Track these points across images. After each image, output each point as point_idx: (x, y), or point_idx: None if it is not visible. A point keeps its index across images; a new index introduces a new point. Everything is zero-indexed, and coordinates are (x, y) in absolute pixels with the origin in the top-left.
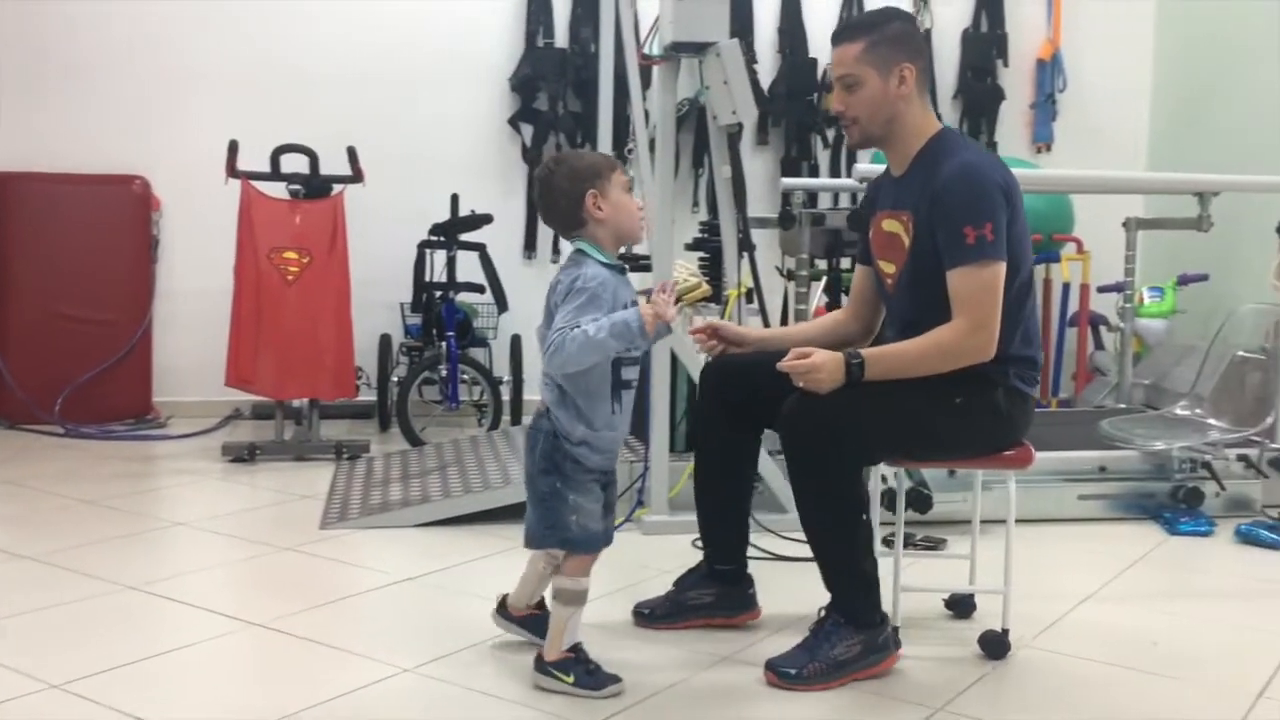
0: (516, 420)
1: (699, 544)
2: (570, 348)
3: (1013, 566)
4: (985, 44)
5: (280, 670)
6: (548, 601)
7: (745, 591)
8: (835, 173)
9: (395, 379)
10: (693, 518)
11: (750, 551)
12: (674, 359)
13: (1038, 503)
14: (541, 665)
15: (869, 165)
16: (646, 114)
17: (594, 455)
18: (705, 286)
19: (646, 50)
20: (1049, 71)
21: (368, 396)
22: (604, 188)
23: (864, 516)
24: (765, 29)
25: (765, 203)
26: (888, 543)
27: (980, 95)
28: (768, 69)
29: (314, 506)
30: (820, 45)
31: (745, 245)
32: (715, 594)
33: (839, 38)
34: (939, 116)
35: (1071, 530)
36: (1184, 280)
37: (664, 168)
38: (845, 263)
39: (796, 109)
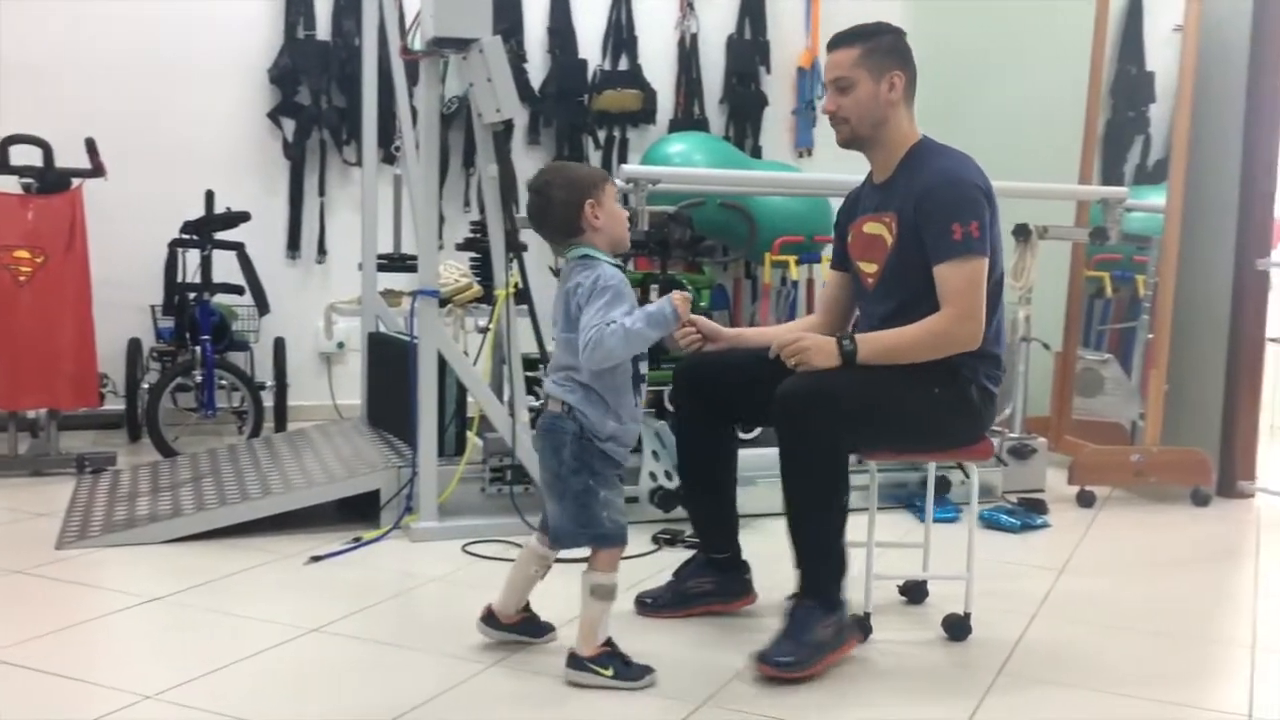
0: (281, 427)
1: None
2: (610, 341)
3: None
4: (749, 51)
5: (6, 706)
6: (579, 597)
7: (742, 577)
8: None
9: (145, 386)
10: (463, 523)
11: (517, 554)
12: (441, 361)
13: None
14: (578, 662)
15: (637, 166)
16: (414, 111)
17: (620, 449)
18: (476, 287)
19: (410, 45)
20: (809, 79)
21: (115, 405)
22: (600, 198)
23: (845, 499)
24: (535, 29)
25: None
26: (656, 540)
27: (745, 101)
28: (538, 69)
29: (51, 525)
30: (590, 46)
31: (515, 245)
32: (714, 582)
33: (836, 44)
34: (727, 123)
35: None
36: None
37: (429, 166)
38: None
39: (568, 109)
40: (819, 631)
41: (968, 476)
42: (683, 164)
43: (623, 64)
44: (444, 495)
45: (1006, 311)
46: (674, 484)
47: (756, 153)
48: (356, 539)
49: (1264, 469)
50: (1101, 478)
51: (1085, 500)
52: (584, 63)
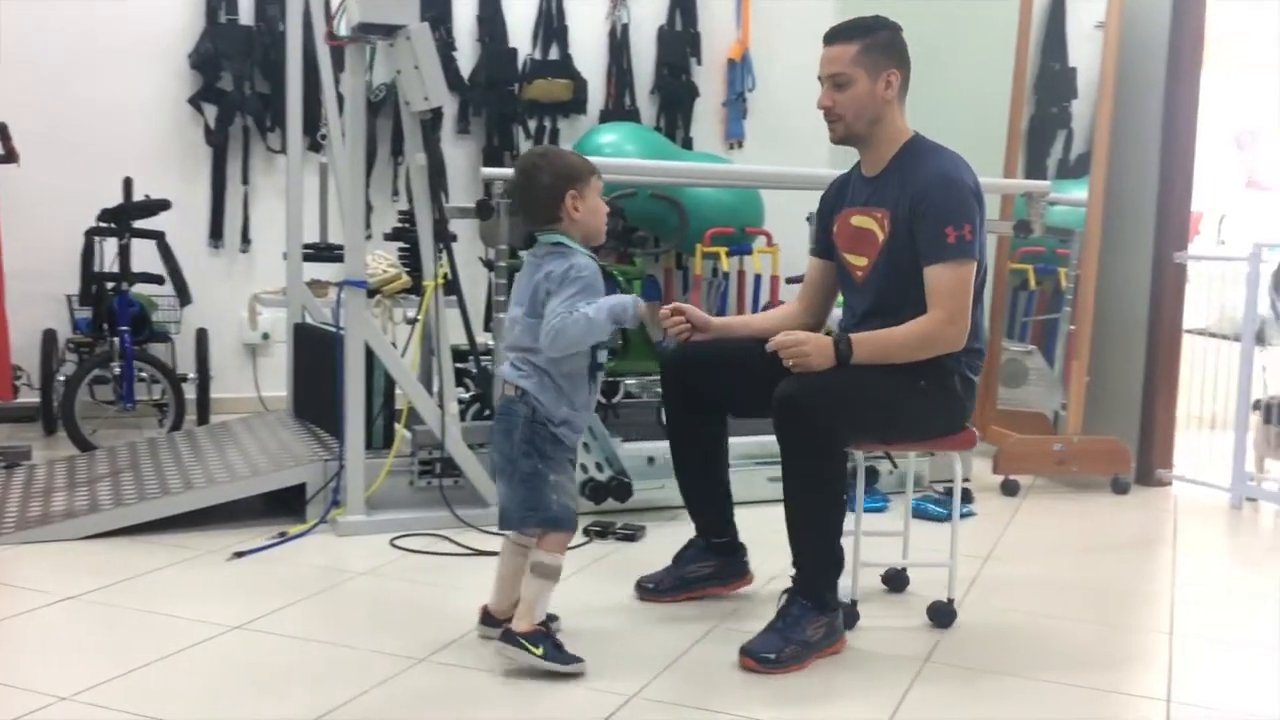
0: (203, 420)
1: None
2: (573, 330)
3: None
4: (680, 42)
5: None
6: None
7: (740, 560)
8: None
9: (61, 378)
10: (391, 517)
11: (447, 547)
12: (369, 353)
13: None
14: (511, 637)
15: None
16: (340, 97)
17: (572, 434)
18: (405, 278)
19: (335, 30)
20: (739, 71)
21: (30, 398)
22: (584, 190)
23: (845, 498)
24: (464, 16)
25: (469, 192)
26: (588, 533)
27: (676, 92)
28: (467, 57)
29: None
30: (521, 35)
31: (444, 235)
32: (714, 565)
33: (834, 39)
34: (658, 114)
35: (763, 512)
36: None
37: (355, 154)
38: None
39: (497, 98)
40: (809, 631)
41: (895, 467)
42: (614, 155)
43: (553, 53)
44: (371, 489)
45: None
46: (605, 476)
47: (687, 144)
48: (281, 534)
49: (1181, 458)
50: (1025, 467)
51: (1010, 489)
52: (514, 51)
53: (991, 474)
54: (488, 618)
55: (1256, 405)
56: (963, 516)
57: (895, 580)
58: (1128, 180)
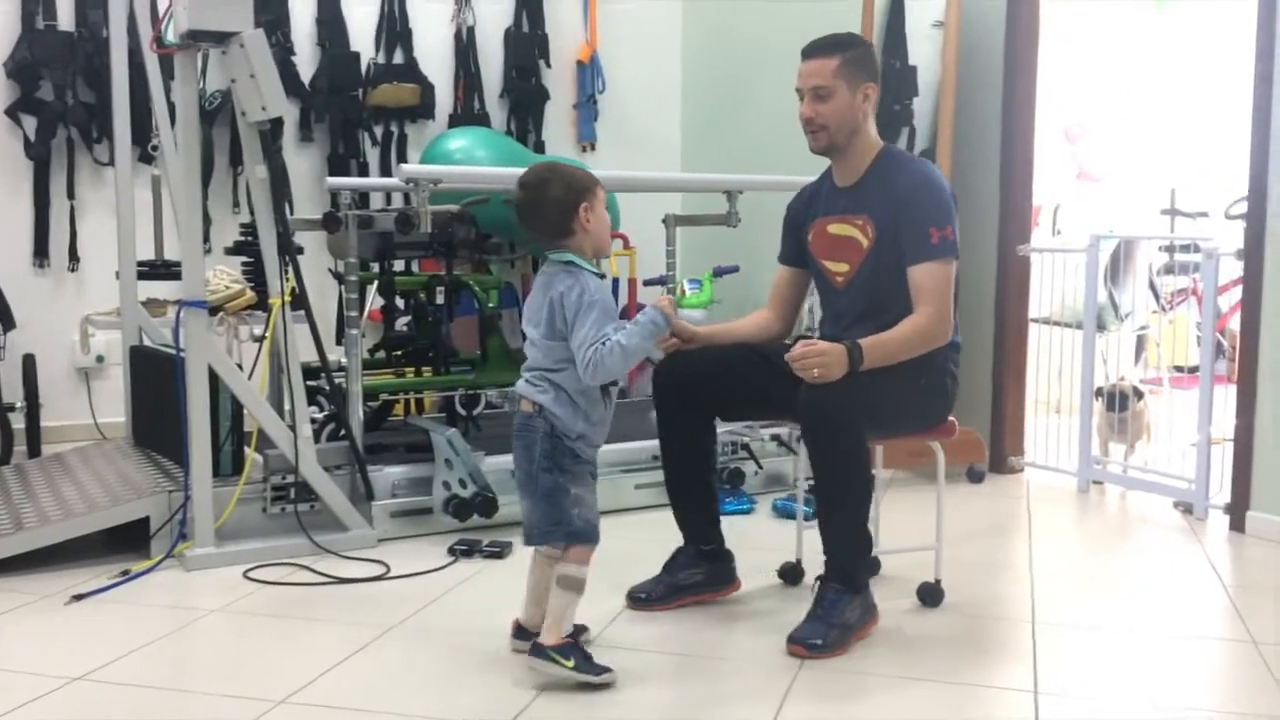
0: (34, 452)
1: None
2: (610, 361)
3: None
4: (528, 44)
5: None
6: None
7: (728, 566)
8: (386, 171)
9: None
10: (244, 548)
11: (306, 577)
12: (213, 376)
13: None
14: (541, 651)
15: (418, 166)
16: (172, 106)
17: (589, 449)
18: (249, 294)
19: (163, 37)
20: (589, 73)
21: None
22: (593, 202)
23: (870, 489)
24: (302, 20)
25: (315, 203)
26: (453, 551)
27: (526, 95)
28: (307, 62)
29: None
30: (363, 39)
31: (289, 249)
32: (704, 572)
33: (814, 53)
34: (508, 117)
35: (632, 519)
36: (718, 272)
37: (190, 166)
38: (399, 265)
39: (341, 104)
40: (847, 614)
41: (760, 468)
42: (464, 160)
43: (398, 57)
44: (221, 519)
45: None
46: (468, 492)
47: (539, 147)
48: (125, 572)
49: (1031, 444)
50: (885, 461)
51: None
52: (356, 56)
53: None
54: (520, 631)
55: (1099, 393)
56: None
57: (789, 574)
58: (970, 175)
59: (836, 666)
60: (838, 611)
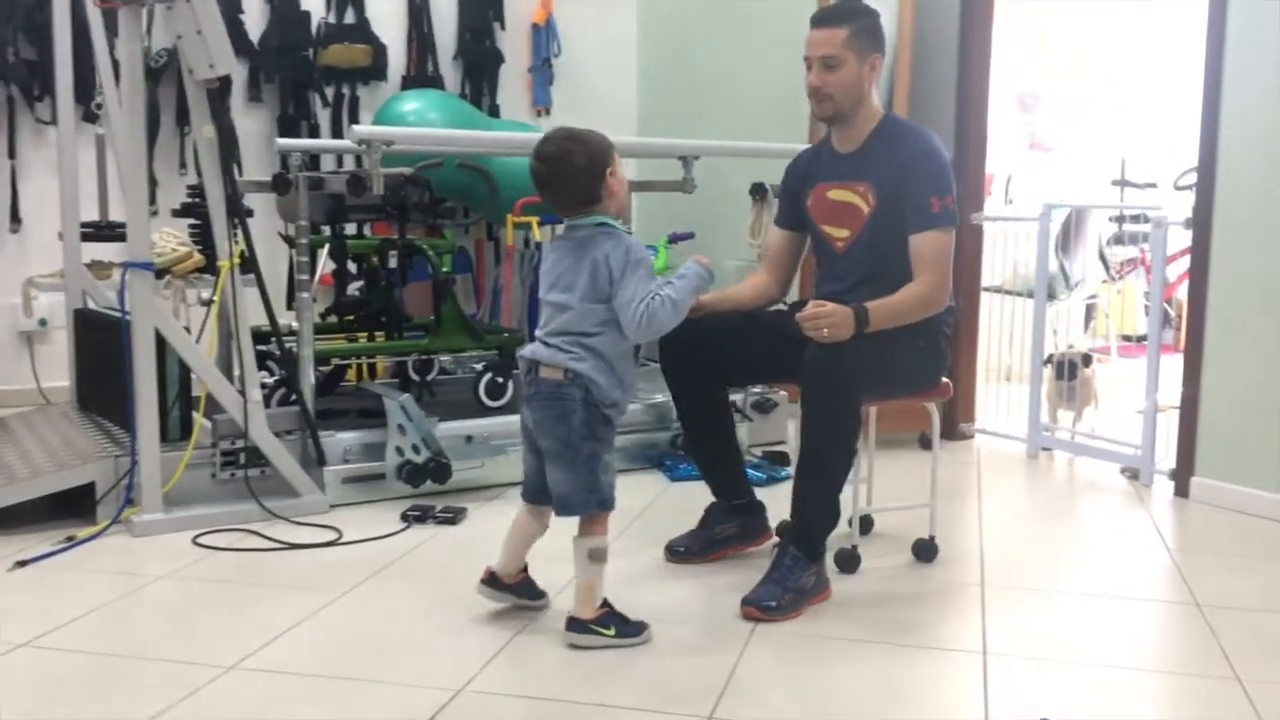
0: None
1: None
2: (663, 314)
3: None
4: (482, 6)
5: None
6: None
7: (762, 518)
8: (337, 133)
9: None
10: (192, 513)
11: (256, 543)
12: (160, 340)
13: None
14: (581, 625)
15: (370, 127)
16: (116, 64)
17: (619, 415)
18: (197, 257)
19: None
20: (544, 36)
21: None
22: (614, 166)
23: (853, 455)
24: None
25: (265, 165)
26: (406, 517)
27: (480, 57)
28: (256, 20)
29: None
30: None
31: (238, 210)
32: (738, 525)
33: (824, 22)
34: (462, 80)
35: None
36: (674, 239)
37: (135, 125)
38: (351, 228)
39: (291, 64)
40: (803, 579)
41: None
42: (418, 123)
43: (349, 17)
44: (169, 484)
45: (747, 269)
46: (422, 458)
47: (494, 111)
48: (69, 538)
49: (982, 411)
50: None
51: None
52: (307, 15)
53: None
54: (493, 579)
55: (1048, 360)
56: (781, 480)
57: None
58: None
59: (790, 629)
60: (794, 577)
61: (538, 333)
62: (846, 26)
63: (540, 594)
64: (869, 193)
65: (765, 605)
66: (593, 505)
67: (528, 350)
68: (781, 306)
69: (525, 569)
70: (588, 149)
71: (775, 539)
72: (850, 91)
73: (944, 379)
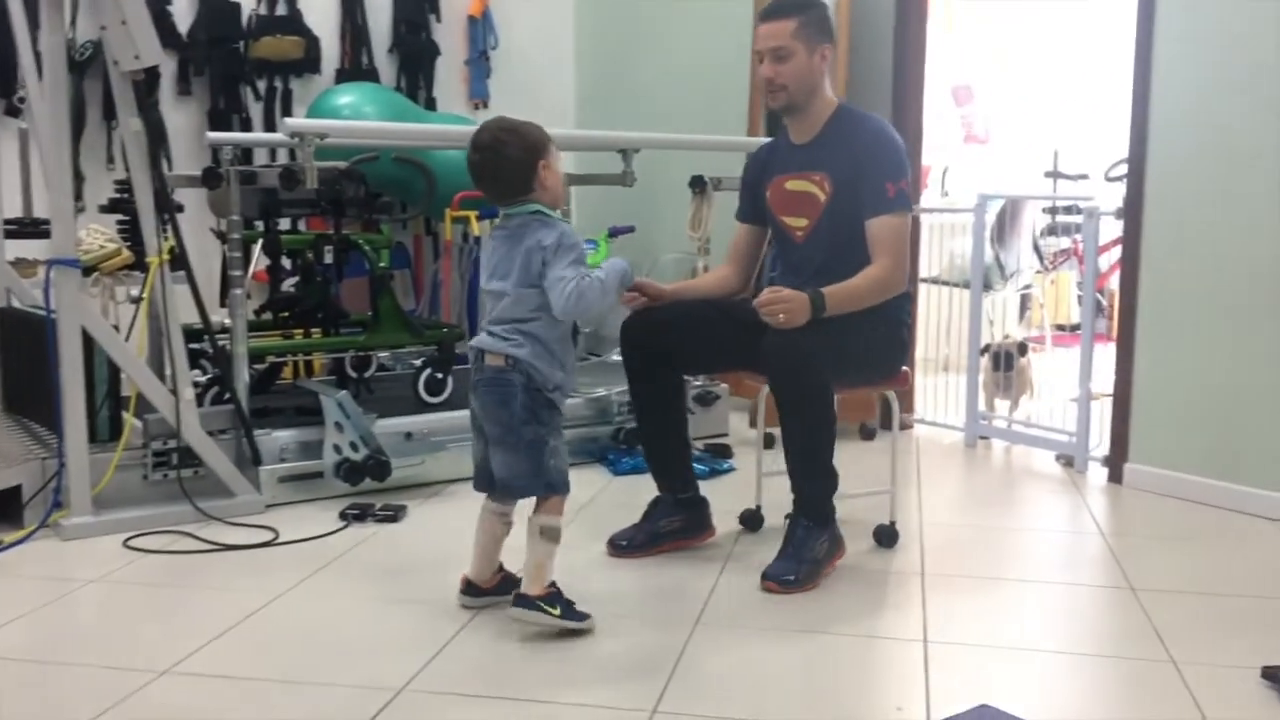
0: None
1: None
2: (591, 294)
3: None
4: None
5: None
6: (525, 544)
7: (705, 513)
8: (270, 127)
9: None
10: (123, 516)
11: (190, 545)
12: (88, 338)
13: None
14: (527, 601)
15: (302, 120)
16: (39, 56)
17: (563, 399)
18: (125, 253)
19: None
20: (481, 28)
21: None
22: (549, 158)
23: (834, 427)
24: None
25: (195, 159)
26: (344, 516)
27: (416, 50)
28: (185, 12)
29: None
30: None
31: (167, 206)
32: (683, 519)
33: (772, 15)
34: (398, 73)
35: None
36: (614, 232)
37: (59, 119)
38: (286, 223)
39: (221, 57)
40: (817, 548)
41: None
42: (353, 116)
43: (280, 9)
44: (99, 487)
45: (685, 262)
46: (360, 455)
47: (431, 104)
48: None
49: (921, 401)
50: (762, 422)
51: (767, 442)
52: (237, 6)
53: (749, 428)
54: (470, 587)
55: (985, 350)
56: (723, 472)
57: (750, 520)
58: None
59: (729, 622)
60: (808, 547)
61: (482, 323)
62: (795, 19)
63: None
64: (825, 181)
65: (784, 579)
66: (537, 489)
67: (475, 340)
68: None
69: (500, 568)
70: (522, 140)
71: (715, 536)
72: (802, 82)
73: (904, 368)
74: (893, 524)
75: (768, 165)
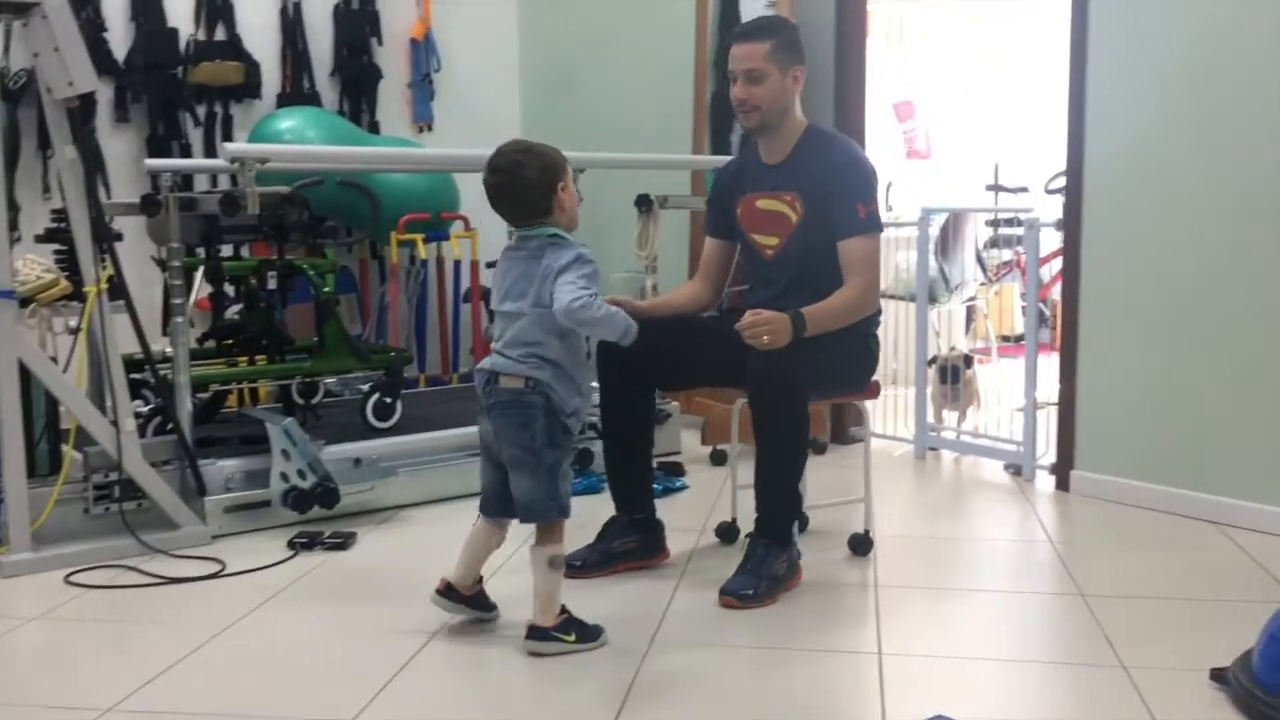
0: None
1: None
2: (595, 310)
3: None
4: (358, 21)
5: None
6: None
7: (660, 535)
8: (211, 153)
9: None
10: (64, 551)
11: (134, 579)
12: (24, 370)
13: (442, 482)
14: (542, 633)
15: (241, 145)
16: None
17: (577, 425)
18: (63, 283)
19: None
20: (423, 51)
21: None
22: (567, 180)
23: (807, 449)
24: None
25: (134, 187)
26: (293, 545)
27: (358, 73)
28: (121, 38)
29: None
30: (180, 14)
31: (105, 234)
32: (637, 540)
33: (745, 37)
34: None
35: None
36: None
37: None
38: (228, 250)
39: (159, 83)
40: (775, 566)
41: None
42: (295, 141)
43: (219, 34)
44: (38, 522)
45: (633, 281)
46: (308, 483)
47: (374, 128)
48: None
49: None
50: (730, 436)
51: (718, 459)
52: (174, 32)
53: (701, 446)
54: (450, 591)
55: (932, 362)
56: (676, 490)
57: (727, 533)
58: None
59: (687, 639)
60: (767, 565)
61: (494, 345)
62: (768, 41)
63: (492, 606)
64: (796, 201)
65: (742, 594)
66: (553, 513)
67: (486, 362)
68: (714, 313)
69: (480, 580)
70: (540, 162)
71: (670, 558)
72: (775, 104)
73: (874, 378)
74: (867, 533)
75: (738, 182)
